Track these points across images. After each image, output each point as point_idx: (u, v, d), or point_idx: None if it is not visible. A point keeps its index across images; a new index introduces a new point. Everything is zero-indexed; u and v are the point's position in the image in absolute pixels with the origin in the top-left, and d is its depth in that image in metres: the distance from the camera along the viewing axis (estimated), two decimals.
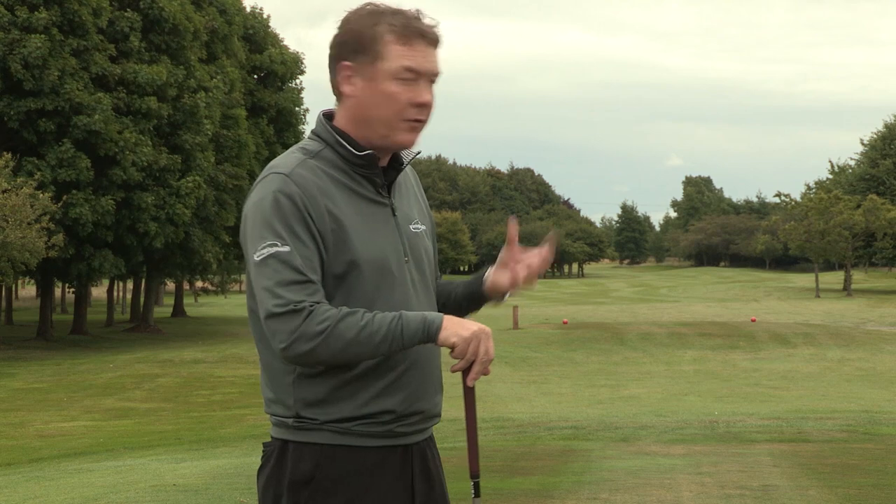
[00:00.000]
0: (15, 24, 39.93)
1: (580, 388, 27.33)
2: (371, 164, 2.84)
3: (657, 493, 8.76)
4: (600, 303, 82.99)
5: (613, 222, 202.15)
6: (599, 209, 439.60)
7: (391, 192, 2.91)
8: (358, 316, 2.68)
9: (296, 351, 2.66)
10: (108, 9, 42.26)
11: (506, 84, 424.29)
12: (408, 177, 3.03)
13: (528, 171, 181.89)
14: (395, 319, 2.70)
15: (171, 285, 73.61)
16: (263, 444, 2.92)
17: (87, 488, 10.84)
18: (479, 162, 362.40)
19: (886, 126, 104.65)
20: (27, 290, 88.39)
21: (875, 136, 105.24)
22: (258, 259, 2.70)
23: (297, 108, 57.38)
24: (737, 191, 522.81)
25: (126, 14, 43.22)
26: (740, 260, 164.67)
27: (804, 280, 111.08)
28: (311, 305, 2.66)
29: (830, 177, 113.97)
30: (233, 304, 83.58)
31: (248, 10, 55.46)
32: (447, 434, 14.60)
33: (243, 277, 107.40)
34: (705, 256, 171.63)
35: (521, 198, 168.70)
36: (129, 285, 68.07)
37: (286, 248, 2.69)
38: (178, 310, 67.39)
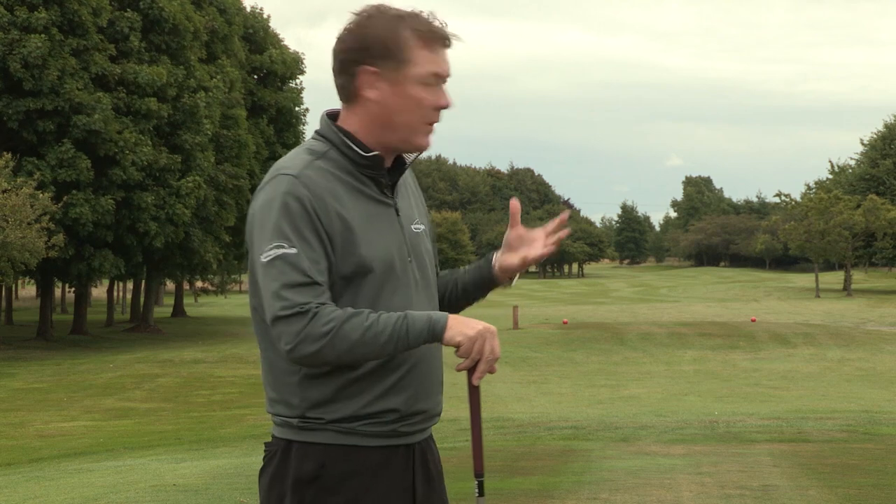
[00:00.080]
0: (14, 24, 39.94)
1: (580, 388, 27.34)
2: (377, 165, 2.85)
3: (657, 493, 8.76)
4: (600, 303, 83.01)
5: (613, 222, 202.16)
6: (599, 209, 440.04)
7: (394, 193, 2.92)
8: (363, 316, 2.68)
9: (301, 352, 2.66)
10: (108, 8, 42.27)
11: (506, 84, 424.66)
12: (406, 177, 3.04)
13: (528, 171, 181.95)
14: (401, 319, 2.70)
15: (171, 285, 73.61)
16: (265, 444, 2.92)
17: (87, 488, 10.85)
18: (479, 162, 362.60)
19: (886, 126, 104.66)
20: (27, 290, 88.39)
21: (875, 136, 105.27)
22: (265, 260, 2.71)
23: (297, 108, 57.40)
24: (737, 191, 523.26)
25: (126, 14, 43.23)
26: (740, 260, 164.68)
27: (804, 280, 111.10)
28: (317, 307, 2.66)
29: (830, 177, 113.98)
30: (233, 304, 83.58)
31: (248, 10, 55.47)
32: (447, 434, 14.60)
33: (244, 278, 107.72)
34: (705, 256, 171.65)
35: (521, 198, 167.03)
36: (129, 285, 68.05)
37: (293, 251, 2.69)
38: (178, 310, 67.40)
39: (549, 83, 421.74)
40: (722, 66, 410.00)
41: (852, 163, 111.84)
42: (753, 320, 48.82)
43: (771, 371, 31.50)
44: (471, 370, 2.80)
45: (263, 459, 2.91)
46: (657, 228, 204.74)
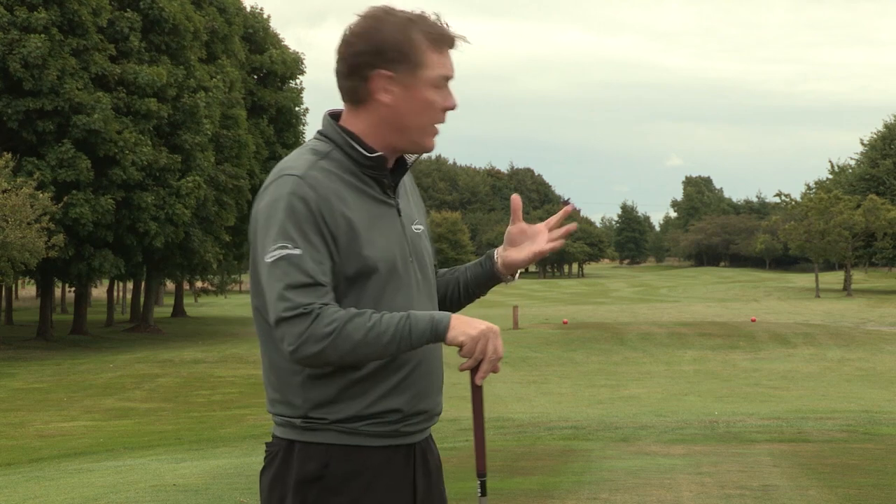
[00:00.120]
0: (14, 24, 39.94)
1: (580, 388, 27.34)
2: (381, 165, 2.86)
3: (657, 493, 8.76)
4: (600, 303, 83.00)
5: (613, 222, 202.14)
6: (599, 209, 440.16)
7: (395, 194, 2.94)
8: (366, 317, 2.69)
9: (304, 353, 2.66)
10: (108, 8, 42.26)
11: (506, 84, 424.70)
12: (405, 177, 3.04)
13: (528, 171, 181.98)
14: (403, 320, 2.71)
15: (171, 285, 73.60)
16: (266, 444, 2.92)
17: (87, 488, 10.85)
18: (479, 162, 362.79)
19: (886, 126, 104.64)
20: (27, 290, 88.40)
21: (875, 136, 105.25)
22: (269, 261, 2.71)
23: (296, 108, 57.39)
24: (737, 191, 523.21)
25: (126, 14, 43.22)
26: (740, 260, 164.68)
27: (804, 280, 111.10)
28: (320, 307, 2.67)
29: (830, 177, 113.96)
30: (233, 304, 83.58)
31: (248, 10, 55.46)
32: (447, 434, 14.61)
33: (244, 278, 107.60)
34: (705, 256, 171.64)
35: (521, 198, 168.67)
36: (129, 285, 68.06)
37: (297, 251, 2.69)
38: (178, 310, 67.40)
39: (549, 83, 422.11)
40: (722, 66, 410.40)
41: (852, 163, 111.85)
42: (753, 320, 48.83)
43: (771, 371, 31.51)
44: (473, 370, 2.81)
45: (264, 460, 2.91)
46: (657, 228, 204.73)
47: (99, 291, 76.11)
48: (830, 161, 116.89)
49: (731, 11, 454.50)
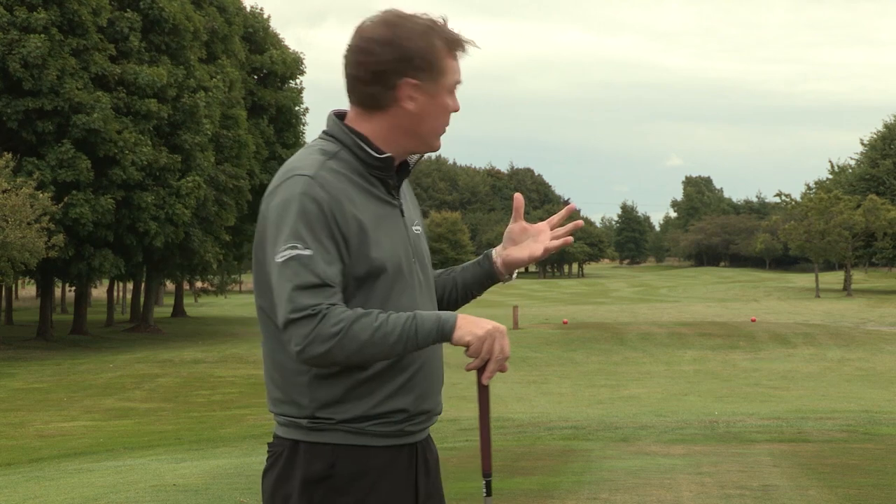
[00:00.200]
0: (14, 25, 39.94)
1: (580, 388, 27.35)
2: (389, 166, 2.87)
3: (657, 493, 8.76)
4: (600, 303, 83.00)
5: (613, 222, 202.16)
6: (599, 209, 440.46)
7: (398, 194, 2.95)
8: (372, 317, 2.69)
9: (311, 353, 2.66)
10: (108, 8, 42.26)
11: (506, 84, 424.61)
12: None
13: (528, 171, 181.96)
14: (410, 320, 2.71)
15: (170, 285, 73.60)
16: (269, 444, 2.92)
17: (87, 488, 10.85)
18: (479, 162, 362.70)
19: (886, 126, 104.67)
20: (27, 290, 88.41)
21: (875, 136, 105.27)
22: (280, 261, 2.71)
23: (296, 108, 57.38)
24: (737, 191, 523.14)
25: (126, 14, 43.22)
26: (740, 260, 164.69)
27: (804, 280, 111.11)
28: (327, 307, 2.67)
29: (830, 177, 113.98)
30: (233, 304, 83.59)
31: (248, 10, 55.45)
32: (447, 434, 14.61)
33: (244, 278, 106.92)
34: (705, 256, 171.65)
35: (523, 197, 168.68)
36: (129, 285, 68.04)
37: (308, 252, 2.69)
38: (178, 310, 67.40)
39: (549, 83, 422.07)
40: (722, 66, 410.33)
41: (852, 163, 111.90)
42: (753, 320, 48.84)
43: (771, 371, 31.51)
44: (480, 370, 2.81)
45: (267, 460, 2.90)
46: (657, 228, 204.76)
47: (99, 291, 76.13)
48: (830, 161, 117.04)
49: (731, 11, 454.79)
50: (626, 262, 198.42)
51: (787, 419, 15.87)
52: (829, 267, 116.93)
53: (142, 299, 55.53)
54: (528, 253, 3.11)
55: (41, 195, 36.25)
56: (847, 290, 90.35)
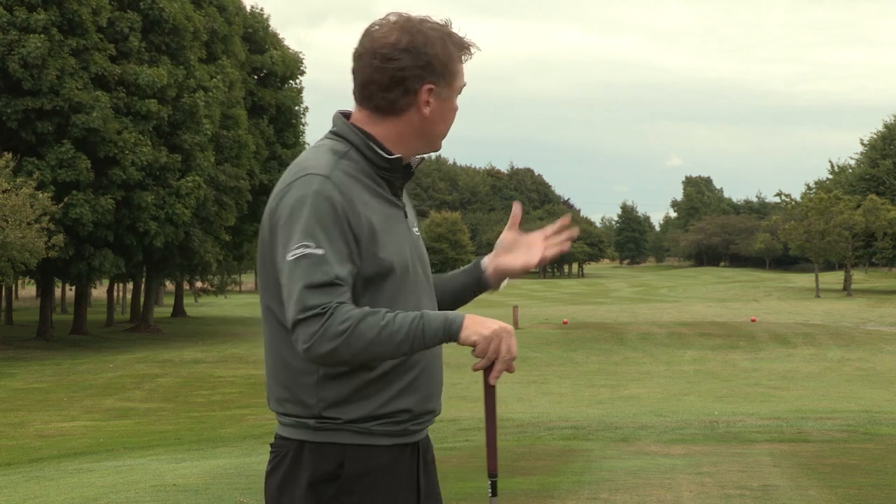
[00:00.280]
0: (14, 25, 39.93)
1: (580, 388, 27.35)
2: (397, 168, 2.89)
3: (657, 493, 8.76)
4: (600, 303, 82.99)
5: (613, 222, 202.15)
6: (599, 209, 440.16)
7: (402, 196, 2.98)
8: (379, 315, 2.70)
9: (318, 351, 2.67)
10: (108, 8, 42.25)
11: (506, 84, 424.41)
12: None
13: (528, 171, 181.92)
14: (417, 319, 2.72)
15: (170, 285, 73.60)
16: (272, 444, 2.92)
17: (87, 488, 10.85)
18: (479, 162, 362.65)
19: (886, 126, 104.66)
20: (27, 290, 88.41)
21: (875, 136, 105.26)
22: (291, 258, 2.71)
23: (296, 108, 57.36)
24: (737, 191, 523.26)
25: (126, 14, 43.21)
26: (740, 260, 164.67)
27: (804, 280, 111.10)
28: (336, 305, 2.68)
29: (830, 177, 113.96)
30: (233, 304, 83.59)
31: (248, 10, 55.44)
32: (447, 434, 14.60)
33: (244, 278, 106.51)
34: (705, 256, 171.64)
35: (521, 198, 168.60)
36: (129, 285, 68.05)
37: (320, 251, 2.70)
38: (178, 310, 67.39)
39: (549, 83, 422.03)
40: (722, 66, 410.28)
41: (852, 163, 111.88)
42: (753, 320, 48.84)
43: (771, 371, 31.51)
44: (487, 370, 2.82)
45: (271, 461, 2.89)
46: (657, 228, 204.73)
47: (99, 291, 76.11)
48: (830, 161, 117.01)
49: (731, 11, 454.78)
50: (626, 262, 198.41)
51: (787, 419, 15.87)
52: (829, 267, 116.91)
53: (142, 299, 55.53)
54: (522, 262, 3.12)
55: (41, 195, 36.25)
56: (847, 290, 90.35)
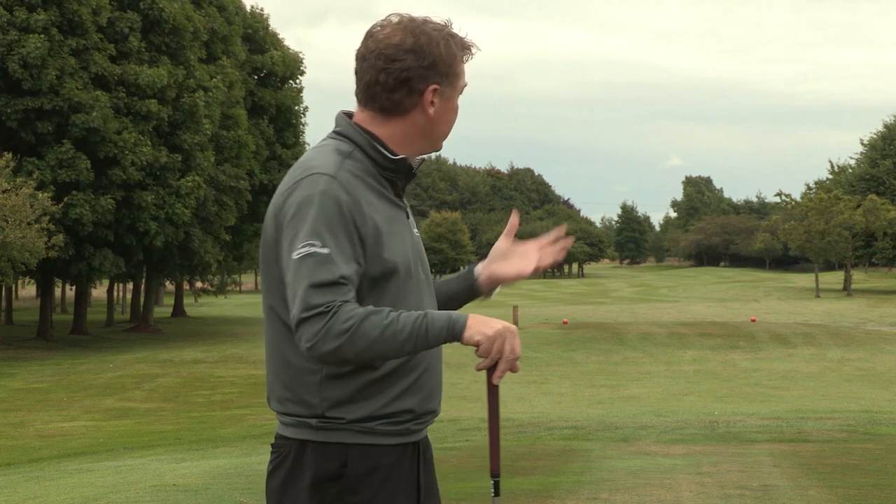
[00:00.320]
0: (14, 25, 39.93)
1: (580, 388, 27.35)
2: (402, 168, 2.91)
3: (657, 493, 8.76)
4: (600, 303, 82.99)
5: (613, 222, 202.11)
6: (599, 209, 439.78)
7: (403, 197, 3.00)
8: (382, 315, 2.70)
9: (321, 349, 2.67)
10: (107, 8, 42.25)
11: (506, 84, 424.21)
12: None
13: (528, 171, 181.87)
14: (420, 318, 2.72)
15: (170, 286, 73.59)
16: (272, 444, 2.92)
17: (87, 488, 10.85)
18: (479, 162, 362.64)
19: (886, 126, 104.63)
20: (27, 290, 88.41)
21: (875, 136, 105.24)
22: (296, 257, 2.71)
23: (296, 108, 57.36)
24: (737, 191, 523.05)
25: (126, 15, 43.21)
26: (740, 260, 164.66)
27: (804, 280, 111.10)
28: (340, 304, 2.68)
29: (830, 177, 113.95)
30: (233, 304, 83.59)
31: (248, 10, 55.44)
32: (447, 434, 14.61)
33: (244, 278, 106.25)
34: (705, 256, 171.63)
35: (521, 198, 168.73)
36: (129, 285, 68.06)
37: (326, 250, 2.70)
38: (178, 310, 67.40)
39: (549, 83, 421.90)
40: (722, 66, 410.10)
41: (852, 163, 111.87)
42: (753, 320, 48.83)
43: (771, 371, 31.50)
44: (490, 370, 2.82)
45: (272, 461, 2.90)
46: (657, 228, 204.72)
47: (99, 291, 76.13)
48: (830, 161, 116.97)
49: (731, 11, 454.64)
50: (626, 262, 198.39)
51: (787, 419, 15.87)
52: (829, 267, 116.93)
53: (142, 299, 55.53)
54: (517, 270, 3.12)
55: (41, 195, 36.25)
56: (847, 290, 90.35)
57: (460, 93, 2.95)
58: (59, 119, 40.71)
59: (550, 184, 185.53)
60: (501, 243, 3.15)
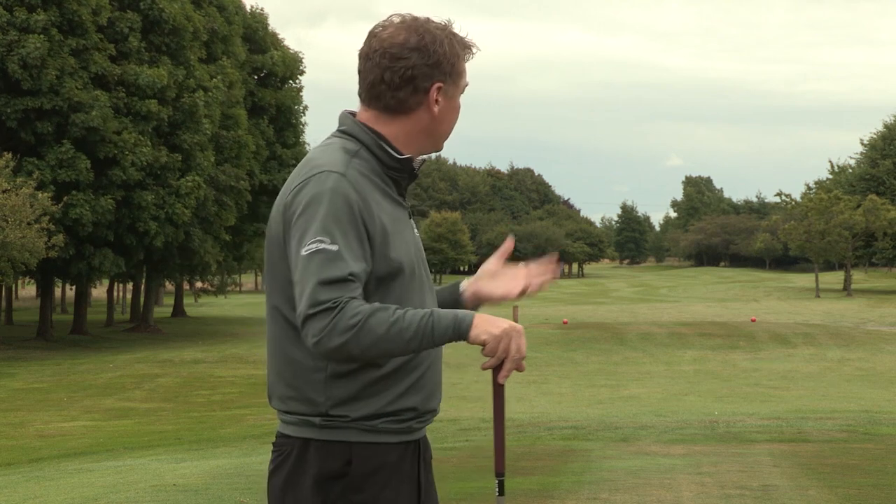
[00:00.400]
0: (13, 25, 39.93)
1: (580, 388, 27.35)
2: (407, 168, 2.92)
3: (657, 493, 8.76)
4: (600, 303, 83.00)
5: (613, 222, 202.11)
6: (599, 209, 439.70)
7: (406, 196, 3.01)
8: (389, 312, 2.70)
9: (327, 345, 2.67)
10: (107, 8, 42.25)
11: (506, 84, 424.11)
12: None
13: (528, 171, 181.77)
14: (426, 317, 2.73)
15: (170, 286, 73.59)
16: (274, 443, 2.92)
17: (87, 488, 10.85)
18: (479, 162, 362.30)
19: (886, 126, 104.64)
20: (27, 290, 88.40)
21: (875, 136, 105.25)
22: (305, 253, 2.71)
23: (296, 108, 57.36)
24: (737, 191, 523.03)
25: (126, 15, 43.22)
26: (740, 260, 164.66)
27: (804, 280, 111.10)
28: (347, 300, 2.68)
29: (830, 177, 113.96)
30: (233, 304, 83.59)
31: (248, 10, 55.43)
32: (447, 434, 14.61)
33: (244, 279, 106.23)
34: (705, 256, 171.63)
35: (521, 198, 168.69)
36: (129, 286, 68.04)
37: (334, 248, 2.70)
38: (178, 310, 67.40)
39: (549, 83, 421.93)
40: (722, 66, 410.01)
41: (852, 163, 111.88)
42: (753, 320, 48.81)
43: (771, 371, 31.50)
44: (496, 369, 2.83)
45: (273, 460, 2.90)
46: (657, 228, 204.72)
47: (99, 291, 76.10)
48: (830, 161, 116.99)
49: (731, 11, 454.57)
50: (626, 262, 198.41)
51: (787, 419, 15.87)
52: (829, 267, 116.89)
53: (142, 299, 55.53)
54: (503, 291, 3.12)
55: (41, 195, 36.26)
56: (847, 290, 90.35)
57: (462, 92, 2.96)
58: (59, 119, 40.72)
59: (550, 184, 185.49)
60: (492, 263, 3.16)
